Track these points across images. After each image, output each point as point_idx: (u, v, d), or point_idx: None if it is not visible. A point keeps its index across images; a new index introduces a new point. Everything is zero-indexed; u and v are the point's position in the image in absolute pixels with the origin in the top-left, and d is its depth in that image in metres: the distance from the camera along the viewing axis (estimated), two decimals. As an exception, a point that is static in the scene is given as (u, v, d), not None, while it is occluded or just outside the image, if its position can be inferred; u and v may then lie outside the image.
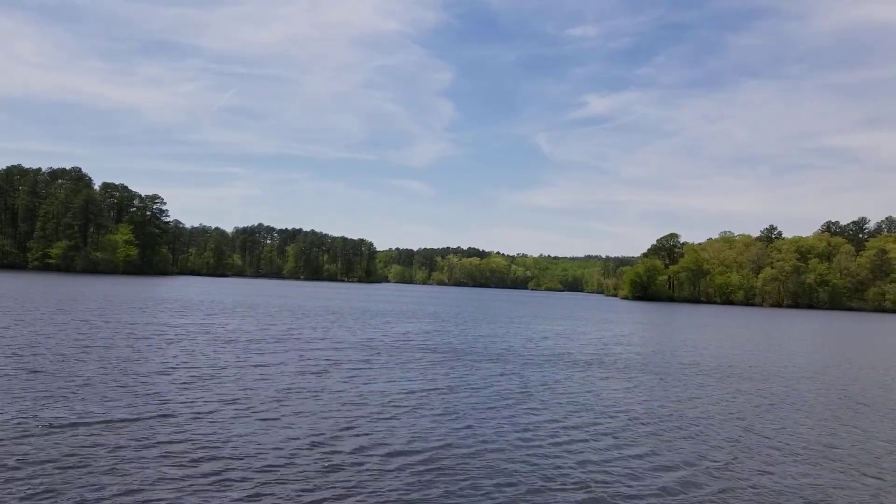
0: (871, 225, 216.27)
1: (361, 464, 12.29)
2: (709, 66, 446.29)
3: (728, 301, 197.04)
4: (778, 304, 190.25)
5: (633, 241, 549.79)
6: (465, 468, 12.40)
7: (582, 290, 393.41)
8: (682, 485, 12.18)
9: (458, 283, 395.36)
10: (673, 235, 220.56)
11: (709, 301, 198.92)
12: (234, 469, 11.56)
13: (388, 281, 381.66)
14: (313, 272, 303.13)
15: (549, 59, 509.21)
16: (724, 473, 13.05)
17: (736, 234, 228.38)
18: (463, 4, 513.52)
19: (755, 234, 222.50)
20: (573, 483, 11.90)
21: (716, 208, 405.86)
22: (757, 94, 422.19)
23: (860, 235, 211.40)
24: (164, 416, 15.04)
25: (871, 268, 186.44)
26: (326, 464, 12.16)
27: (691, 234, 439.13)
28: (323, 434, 14.20)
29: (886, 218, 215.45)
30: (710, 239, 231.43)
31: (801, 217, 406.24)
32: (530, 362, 28.91)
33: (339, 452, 12.92)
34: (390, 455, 12.96)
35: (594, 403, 19.76)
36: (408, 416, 16.58)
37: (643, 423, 17.27)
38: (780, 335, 59.75)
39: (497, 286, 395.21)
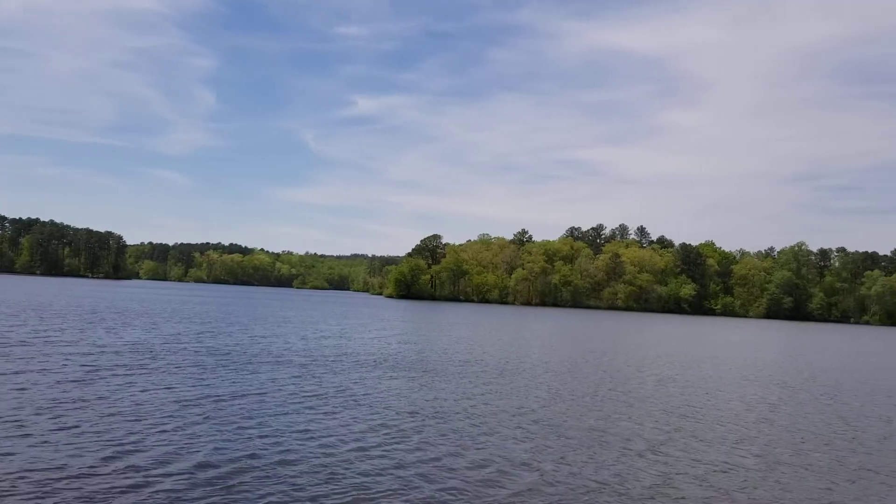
0: (607, 231, 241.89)
1: (140, 483, 11.09)
2: (470, 76, 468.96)
3: (484, 299, 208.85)
4: (528, 303, 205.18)
5: (399, 241, 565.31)
6: (262, 481, 11.73)
7: (348, 289, 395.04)
8: (494, 483, 12.52)
9: (217, 281, 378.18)
10: (436, 236, 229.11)
11: (467, 299, 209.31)
12: None
13: (139, 277, 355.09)
14: (52, 267, 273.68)
15: (317, 55, 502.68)
16: (533, 465, 13.65)
17: (492, 237, 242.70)
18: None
19: (509, 236, 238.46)
20: (382, 490, 11.76)
21: (475, 211, 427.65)
22: (513, 107, 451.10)
23: (598, 241, 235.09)
24: None
25: (606, 270, 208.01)
26: (97, 484, 10.84)
27: (453, 236, 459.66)
28: (93, 450, 12.66)
29: (620, 225, 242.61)
30: (470, 240, 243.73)
31: (548, 222, 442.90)
32: (315, 363, 28.35)
33: (113, 470, 11.58)
34: (176, 471, 11.86)
35: (387, 403, 19.80)
36: (192, 426, 15.35)
37: (441, 422, 17.59)
38: (534, 331, 64.50)
39: (260, 284, 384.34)
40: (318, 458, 13.35)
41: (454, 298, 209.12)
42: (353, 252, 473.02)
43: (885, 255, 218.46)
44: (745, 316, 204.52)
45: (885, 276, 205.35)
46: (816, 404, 25.58)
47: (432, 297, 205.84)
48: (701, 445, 16.78)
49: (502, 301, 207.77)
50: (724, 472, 14.31)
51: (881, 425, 21.55)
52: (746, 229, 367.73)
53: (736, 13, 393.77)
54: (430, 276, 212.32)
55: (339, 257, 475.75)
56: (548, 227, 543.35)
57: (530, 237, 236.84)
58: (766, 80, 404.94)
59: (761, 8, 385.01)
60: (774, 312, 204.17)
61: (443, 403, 20.54)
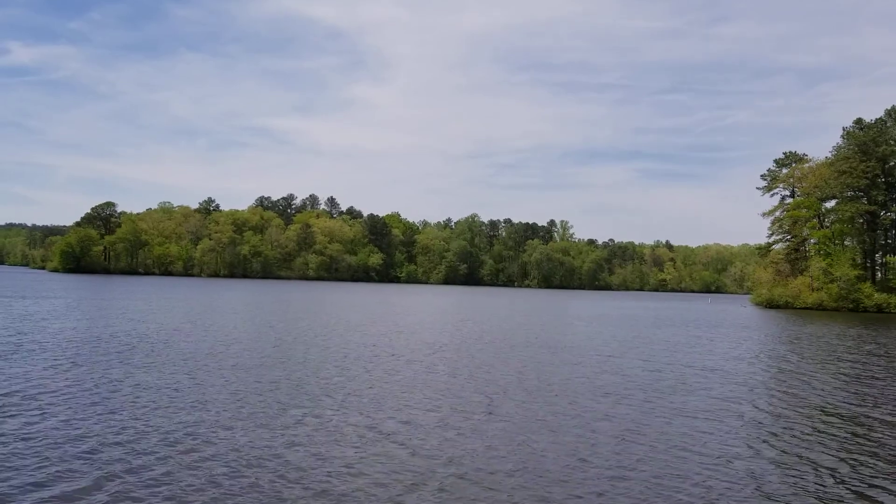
0: (297, 201, 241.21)
1: None
2: (148, 31, 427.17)
3: (167, 272, 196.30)
4: (215, 274, 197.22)
5: (64, 209, 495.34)
6: None
7: (3, 263, 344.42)
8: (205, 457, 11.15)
9: None
10: (109, 204, 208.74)
11: (147, 272, 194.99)
12: None
13: None
14: None
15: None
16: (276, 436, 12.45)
17: (175, 206, 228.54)
18: None
19: (194, 205, 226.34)
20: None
21: (155, 178, 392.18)
22: (196, 68, 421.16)
23: (289, 210, 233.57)
24: None
25: (297, 240, 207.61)
26: None
27: (130, 204, 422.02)
28: None
29: (310, 195, 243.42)
30: (150, 209, 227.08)
31: (237, 191, 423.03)
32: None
33: None
34: None
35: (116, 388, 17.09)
36: None
37: (154, 406, 15.54)
38: (230, 304, 61.89)
39: None
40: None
41: (133, 271, 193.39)
42: (9, 221, 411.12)
43: (543, 226, 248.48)
44: (426, 282, 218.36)
45: (543, 244, 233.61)
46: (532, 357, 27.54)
47: (106, 271, 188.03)
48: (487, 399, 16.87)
49: (187, 273, 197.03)
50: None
51: (583, 369, 23.82)
52: (427, 201, 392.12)
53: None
54: (103, 247, 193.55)
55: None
56: (236, 197, 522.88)
57: (217, 206, 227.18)
58: (444, 62, 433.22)
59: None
60: (452, 278, 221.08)
61: (158, 389, 18.25)
